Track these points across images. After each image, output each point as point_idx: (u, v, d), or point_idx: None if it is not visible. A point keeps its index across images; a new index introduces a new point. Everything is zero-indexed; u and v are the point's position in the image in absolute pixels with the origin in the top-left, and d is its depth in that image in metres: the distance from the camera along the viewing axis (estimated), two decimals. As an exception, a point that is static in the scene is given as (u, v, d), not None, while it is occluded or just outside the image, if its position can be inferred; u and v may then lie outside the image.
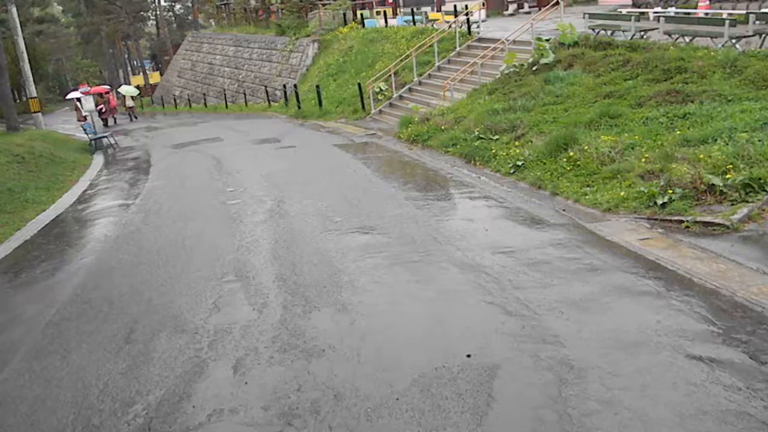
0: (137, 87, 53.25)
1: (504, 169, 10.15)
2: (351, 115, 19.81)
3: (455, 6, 23.57)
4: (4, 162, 13.19)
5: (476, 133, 12.12)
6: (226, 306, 5.54)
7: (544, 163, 9.53)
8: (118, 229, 8.80)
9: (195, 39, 42.34)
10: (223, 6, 40.32)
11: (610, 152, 8.84)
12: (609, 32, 15.65)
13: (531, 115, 12.19)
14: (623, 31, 15.19)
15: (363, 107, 19.49)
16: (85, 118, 22.49)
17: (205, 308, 5.52)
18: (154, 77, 55.37)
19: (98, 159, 17.51)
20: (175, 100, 39.32)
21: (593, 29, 16.02)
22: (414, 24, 23.96)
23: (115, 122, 31.62)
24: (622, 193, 7.61)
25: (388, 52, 22.03)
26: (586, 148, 9.09)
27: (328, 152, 13.84)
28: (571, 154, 9.19)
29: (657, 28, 14.64)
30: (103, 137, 20.04)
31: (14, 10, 25.69)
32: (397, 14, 28.39)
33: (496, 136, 11.78)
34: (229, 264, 6.57)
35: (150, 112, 39.12)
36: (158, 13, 57.00)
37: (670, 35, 14.01)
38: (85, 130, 20.49)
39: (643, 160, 8.29)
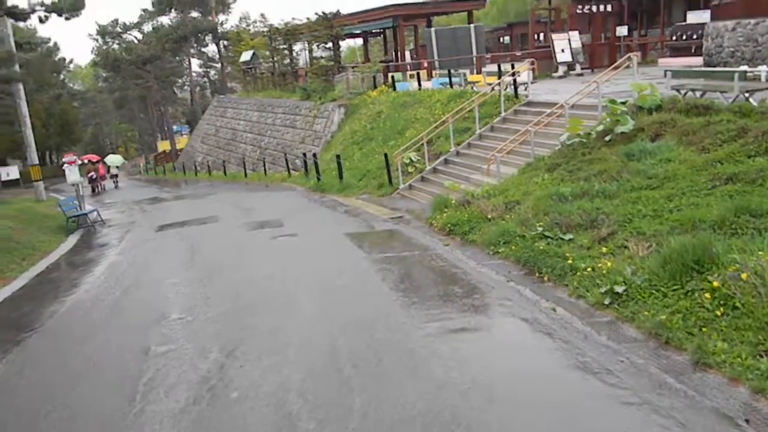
0: (164, 152, 51.80)
1: (592, 295, 6.50)
2: (375, 190, 16.50)
3: (499, 65, 20.53)
4: None
5: (538, 228, 8.60)
6: None
7: (664, 294, 5.88)
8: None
9: (220, 104, 40.34)
10: (249, 70, 38.24)
11: (789, 285, 5.15)
12: (699, 94, 12.13)
13: (616, 204, 8.65)
14: (721, 93, 11.61)
15: (390, 181, 16.20)
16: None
17: None
18: (184, 142, 53.69)
19: (68, 243, 14.42)
20: (195, 167, 36.89)
21: (678, 90, 12.51)
22: (451, 87, 20.90)
23: (103, 189, 31.82)
24: None
25: (422, 118, 18.87)
26: (742, 274, 5.41)
27: (337, 247, 10.41)
28: (715, 283, 5.51)
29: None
30: (85, 214, 17.00)
31: (17, 68, 23.82)
32: (432, 77, 25.45)
33: (569, 235, 8.27)
34: None
35: (172, 180, 36.69)
36: (190, 78, 56.03)
37: (788, 97, 10.46)
38: (60, 206, 17.34)
39: None
